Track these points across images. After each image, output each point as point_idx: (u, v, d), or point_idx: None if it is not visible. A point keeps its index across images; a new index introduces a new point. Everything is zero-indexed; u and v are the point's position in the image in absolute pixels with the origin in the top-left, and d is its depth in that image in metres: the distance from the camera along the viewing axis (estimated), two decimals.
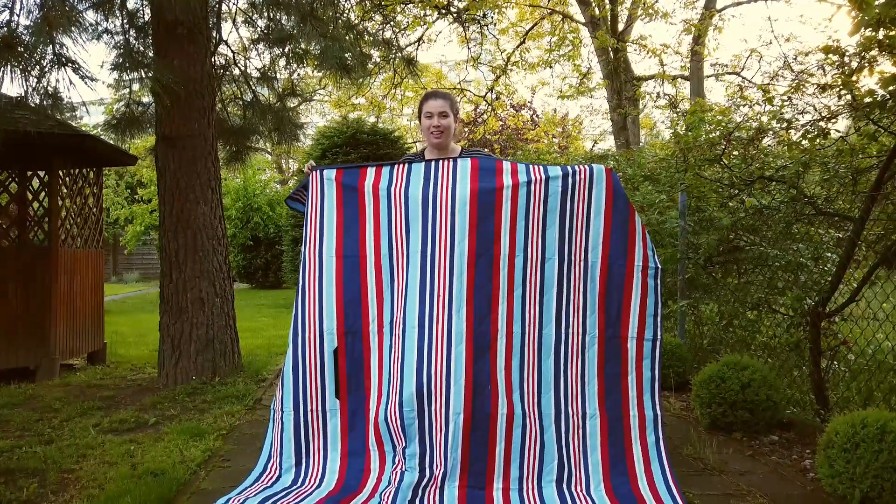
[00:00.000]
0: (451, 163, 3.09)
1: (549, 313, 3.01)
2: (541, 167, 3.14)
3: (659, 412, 2.98)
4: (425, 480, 2.82)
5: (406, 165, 3.16)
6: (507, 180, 3.03)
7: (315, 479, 2.94)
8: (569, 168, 3.11)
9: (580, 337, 3.02)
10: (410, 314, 2.98)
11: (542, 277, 3.02)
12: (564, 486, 2.85)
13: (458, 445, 2.81)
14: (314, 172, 3.23)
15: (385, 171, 3.18)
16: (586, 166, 3.13)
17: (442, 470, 2.82)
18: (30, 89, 3.93)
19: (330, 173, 3.21)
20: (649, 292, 3.06)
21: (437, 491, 2.77)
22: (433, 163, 3.12)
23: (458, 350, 2.88)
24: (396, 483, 2.82)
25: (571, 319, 3.02)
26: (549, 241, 3.04)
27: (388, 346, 3.05)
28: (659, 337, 3.05)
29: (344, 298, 3.12)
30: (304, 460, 3.03)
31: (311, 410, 3.07)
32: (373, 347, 3.09)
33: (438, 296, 2.94)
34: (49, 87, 3.98)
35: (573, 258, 3.05)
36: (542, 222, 3.04)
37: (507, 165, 3.09)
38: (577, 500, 2.76)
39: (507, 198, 3.00)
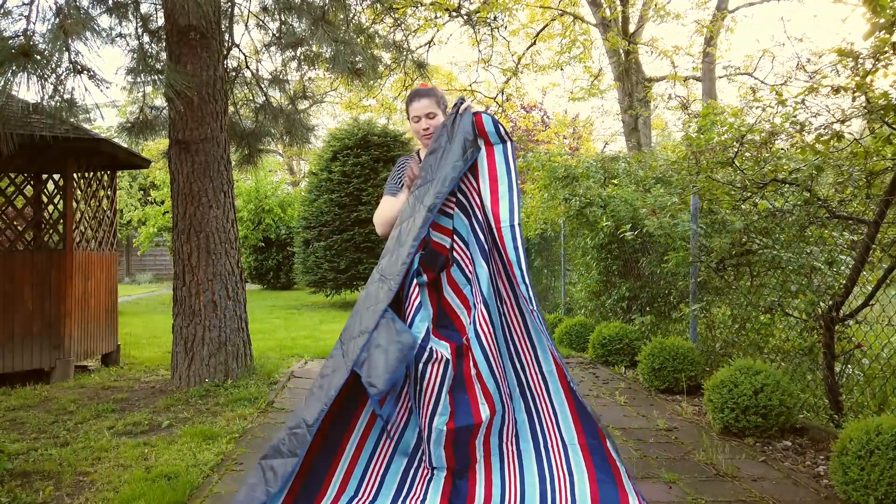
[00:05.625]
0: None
1: (491, 301, 2.80)
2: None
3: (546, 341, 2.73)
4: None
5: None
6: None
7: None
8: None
9: (514, 304, 2.83)
10: None
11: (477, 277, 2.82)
12: (536, 423, 2.75)
13: (441, 448, 2.65)
14: None
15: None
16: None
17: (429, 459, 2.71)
18: (46, 96, 3.96)
19: None
20: (500, 173, 2.73)
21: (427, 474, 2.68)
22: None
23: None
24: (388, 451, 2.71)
25: (503, 293, 2.85)
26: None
27: None
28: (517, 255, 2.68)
29: None
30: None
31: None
32: None
33: None
34: (65, 95, 4.01)
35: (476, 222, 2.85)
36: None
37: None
38: (549, 440, 2.69)
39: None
